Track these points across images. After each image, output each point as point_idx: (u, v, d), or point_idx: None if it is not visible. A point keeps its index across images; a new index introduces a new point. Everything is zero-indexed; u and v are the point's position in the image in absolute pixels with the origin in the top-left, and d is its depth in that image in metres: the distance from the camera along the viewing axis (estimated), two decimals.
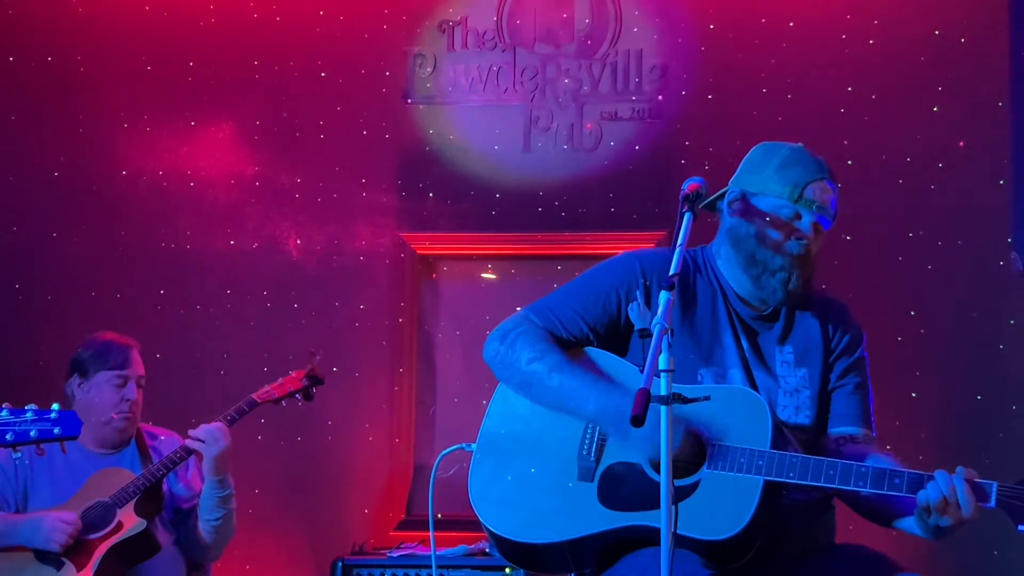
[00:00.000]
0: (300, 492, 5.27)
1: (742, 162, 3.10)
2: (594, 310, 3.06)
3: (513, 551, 2.96)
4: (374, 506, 5.29)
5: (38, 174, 5.51)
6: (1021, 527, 2.61)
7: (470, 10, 5.48)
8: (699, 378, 2.99)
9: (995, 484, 2.67)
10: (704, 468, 2.82)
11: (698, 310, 3.05)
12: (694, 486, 2.81)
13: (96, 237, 5.47)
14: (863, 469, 2.75)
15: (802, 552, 2.96)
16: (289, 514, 5.23)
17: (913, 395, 5.00)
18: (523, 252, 5.43)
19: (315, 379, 4.27)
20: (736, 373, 3.01)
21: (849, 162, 5.19)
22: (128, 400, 4.16)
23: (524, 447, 3.01)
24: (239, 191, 5.47)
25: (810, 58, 5.29)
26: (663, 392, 2.55)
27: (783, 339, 3.07)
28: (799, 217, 3.01)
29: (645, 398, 2.47)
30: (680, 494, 2.78)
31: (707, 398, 2.78)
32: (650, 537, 2.78)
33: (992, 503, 2.66)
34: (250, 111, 5.49)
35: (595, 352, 3.06)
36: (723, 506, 2.75)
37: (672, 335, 2.58)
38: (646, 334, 2.59)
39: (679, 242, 2.78)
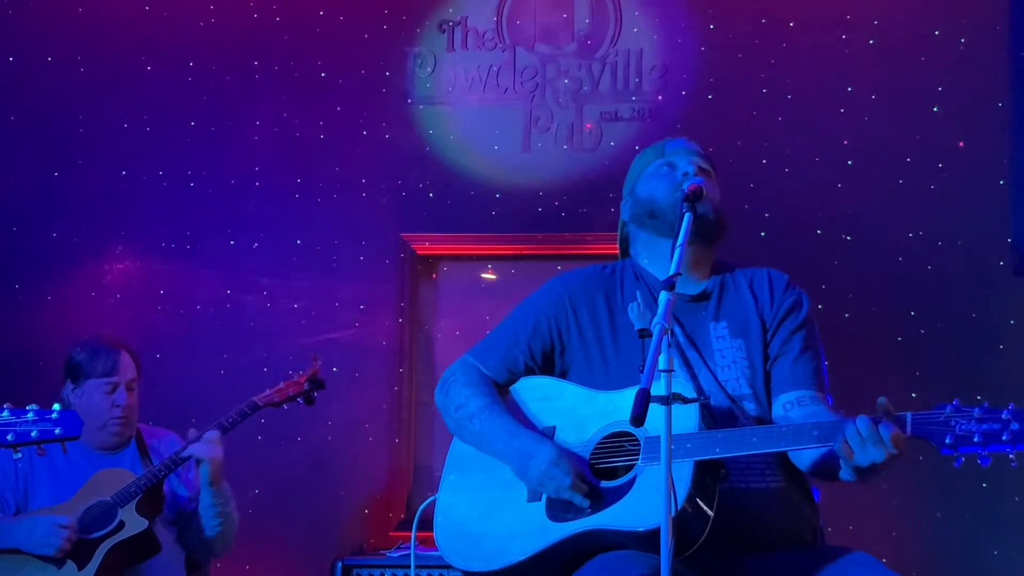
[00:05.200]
0: (300, 492, 5.27)
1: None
2: (527, 339, 3.15)
3: None
4: (374, 506, 5.29)
5: (38, 174, 5.51)
6: (943, 451, 2.61)
7: (470, 10, 5.48)
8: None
9: (909, 414, 2.67)
10: (638, 463, 2.85)
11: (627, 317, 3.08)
12: (631, 483, 2.84)
13: (96, 237, 5.47)
14: (783, 430, 2.77)
15: (778, 546, 2.93)
16: (289, 514, 5.23)
17: (913, 395, 5.00)
18: (523, 252, 5.43)
19: (317, 383, 4.28)
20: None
21: (849, 162, 5.20)
22: (119, 406, 4.13)
23: (479, 484, 3.08)
24: (239, 191, 5.47)
25: (810, 58, 5.28)
26: (663, 392, 2.55)
27: (717, 315, 3.09)
28: (674, 166, 3.14)
29: (644, 398, 2.48)
30: (618, 493, 2.84)
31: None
32: (599, 540, 2.83)
33: (909, 431, 2.65)
34: (250, 111, 5.49)
35: (532, 381, 3.15)
36: (659, 495, 2.72)
37: (672, 335, 2.59)
38: (646, 334, 2.61)
39: (679, 242, 2.80)
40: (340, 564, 4.72)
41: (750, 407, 2.99)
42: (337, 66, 5.48)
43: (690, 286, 3.11)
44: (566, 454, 2.90)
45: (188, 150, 5.49)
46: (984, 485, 4.92)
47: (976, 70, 5.18)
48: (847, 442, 2.65)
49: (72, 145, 5.51)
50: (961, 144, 5.17)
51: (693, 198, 2.91)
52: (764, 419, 2.99)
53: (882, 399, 2.69)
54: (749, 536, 2.90)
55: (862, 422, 2.65)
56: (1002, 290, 5.09)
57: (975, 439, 2.59)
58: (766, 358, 3.06)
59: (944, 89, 5.20)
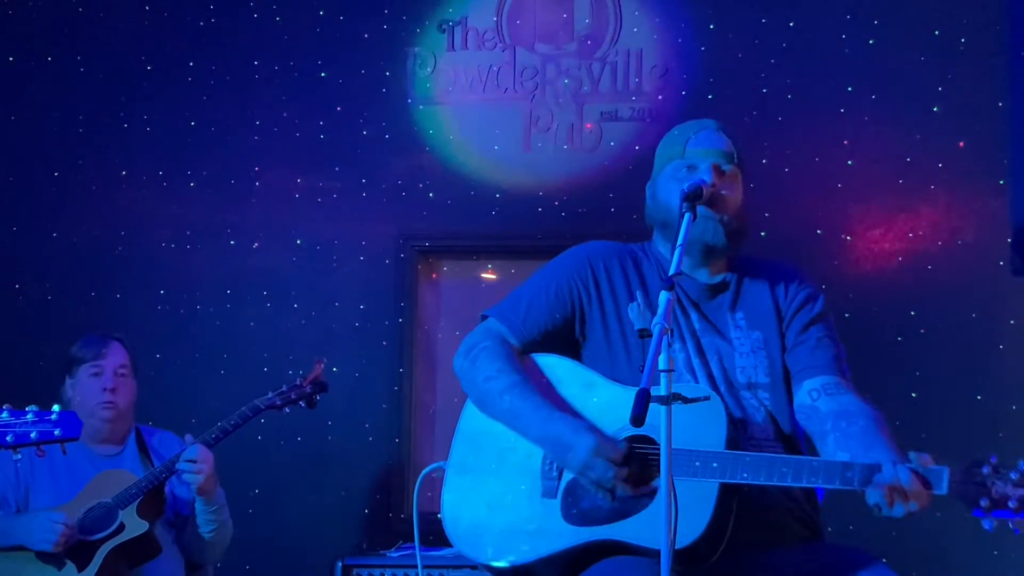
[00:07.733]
0: (300, 492, 5.27)
1: None
2: (549, 306, 3.10)
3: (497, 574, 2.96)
4: (374, 506, 5.29)
5: (38, 174, 5.51)
6: (976, 512, 2.54)
7: (470, 10, 5.48)
8: None
9: (946, 469, 2.60)
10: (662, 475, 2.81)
11: (650, 297, 3.07)
12: (652, 494, 2.80)
13: (96, 237, 5.47)
14: (815, 464, 2.69)
15: (781, 542, 2.91)
16: (289, 514, 5.23)
17: (913, 395, 5.00)
18: (523, 252, 5.42)
19: (319, 385, 4.29)
20: (683, 347, 3.00)
21: (849, 162, 5.20)
22: (106, 389, 4.13)
23: (492, 466, 3.02)
24: (239, 191, 5.47)
25: (810, 58, 5.28)
26: (663, 392, 2.54)
27: (733, 306, 3.07)
28: (694, 169, 3.06)
29: (645, 398, 2.46)
30: (637, 504, 2.79)
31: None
32: (615, 550, 2.79)
33: (944, 490, 2.59)
34: (250, 111, 5.49)
35: (545, 359, 3.08)
36: (681, 513, 2.67)
37: (672, 335, 2.57)
38: (646, 334, 2.59)
39: (679, 242, 2.78)
40: (340, 564, 4.72)
41: (764, 396, 2.98)
42: (337, 66, 5.48)
43: (705, 276, 3.10)
44: (607, 443, 2.83)
45: (188, 149, 5.49)
46: None
47: (976, 70, 5.18)
48: (888, 493, 2.59)
49: (72, 145, 5.51)
50: (961, 144, 5.17)
51: (692, 197, 2.87)
52: (779, 411, 2.97)
53: (913, 456, 2.63)
54: (753, 533, 2.87)
55: (904, 474, 2.58)
56: (1002, 290, 5.09)
57: (1010, 504, 2.52)
58: (783, 349, 3.04)
59: (944, 89, 5.19)
